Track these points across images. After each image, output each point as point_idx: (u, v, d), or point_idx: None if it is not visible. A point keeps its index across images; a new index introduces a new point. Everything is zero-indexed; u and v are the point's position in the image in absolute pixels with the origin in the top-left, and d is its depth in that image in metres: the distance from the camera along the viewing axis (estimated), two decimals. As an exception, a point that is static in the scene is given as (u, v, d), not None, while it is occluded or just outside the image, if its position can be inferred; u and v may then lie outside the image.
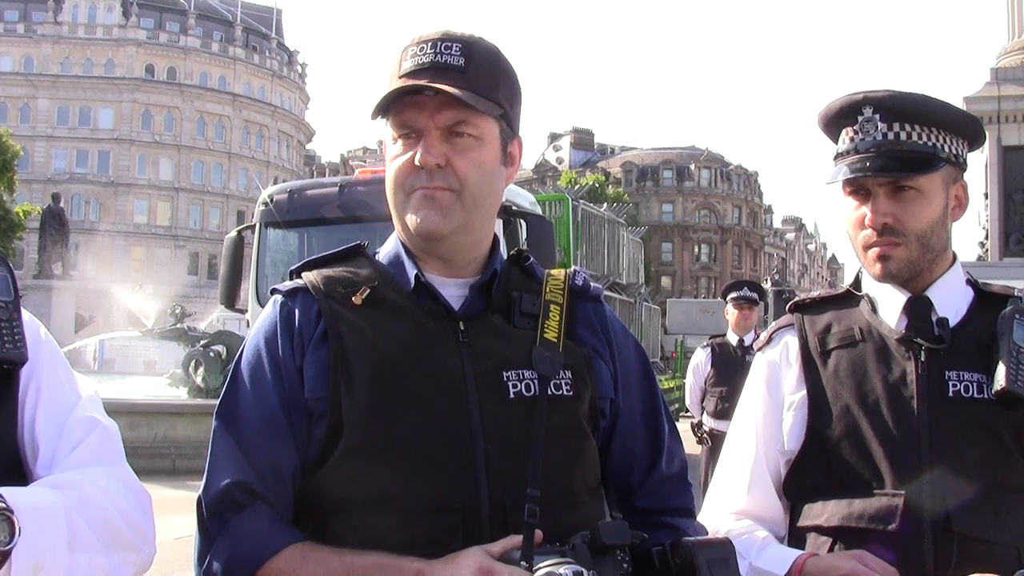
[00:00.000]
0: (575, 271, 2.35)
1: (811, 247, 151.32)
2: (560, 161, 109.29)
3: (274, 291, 2.25)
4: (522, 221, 11.70)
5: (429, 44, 2.14)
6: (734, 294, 10.22)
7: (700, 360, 10.93)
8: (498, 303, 2.22)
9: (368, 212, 11.32)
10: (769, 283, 68.19)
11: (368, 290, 2.17)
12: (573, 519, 2.02)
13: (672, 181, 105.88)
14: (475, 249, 2.23)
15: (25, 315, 2.10)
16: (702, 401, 10.79)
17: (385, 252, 2.28)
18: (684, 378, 13.32)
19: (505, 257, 2.32)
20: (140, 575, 2.04)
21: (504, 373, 2.12)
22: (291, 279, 2.26)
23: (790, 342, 2.64)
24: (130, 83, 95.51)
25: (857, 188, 2.50)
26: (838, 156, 2.54)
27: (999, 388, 2.35)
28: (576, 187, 25.30)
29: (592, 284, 2.35)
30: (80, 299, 48.63)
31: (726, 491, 2.64)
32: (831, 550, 2.41)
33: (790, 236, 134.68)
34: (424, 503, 2.02)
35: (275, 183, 11.18)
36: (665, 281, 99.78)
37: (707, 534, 2.28)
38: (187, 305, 34.24)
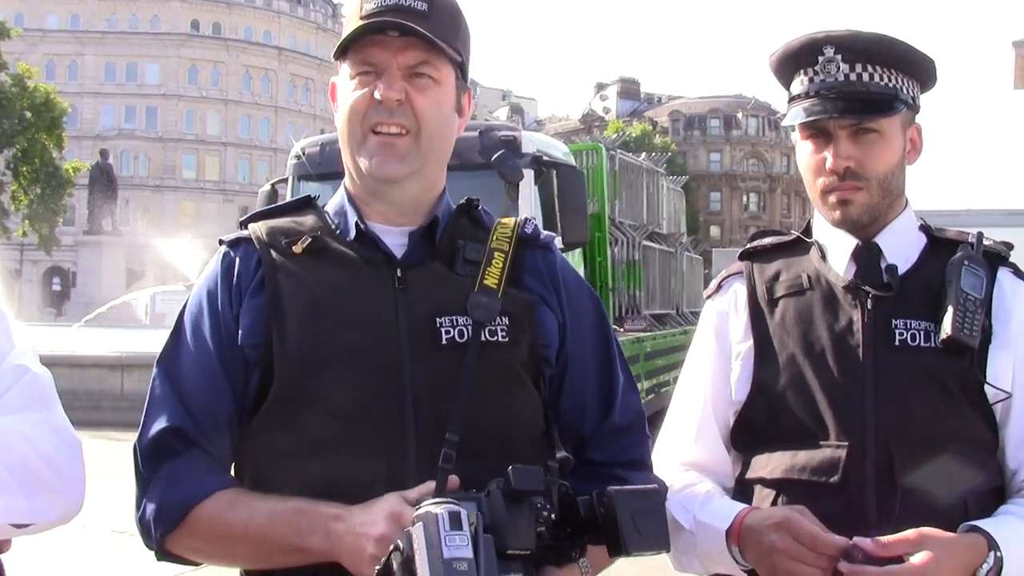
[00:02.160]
0: (526, 219, 2.33)
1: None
2: (607, 111, 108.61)
3: (220, 242, 2.27)
4: (553, 171, 11.68)
5: None
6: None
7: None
8: (442, 250, 2.21)
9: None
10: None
11: (309, 239, 2.18)
12: (505, 466, 1.95)
13: (720, 130, 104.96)
14: (424, 195, 2.24)
15: None
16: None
17: (332, 203, 2.29)
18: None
19: (454, 206, 2.30)
20: (68, 517, 2.08)
21: (438, 319, 2.12)
22: (241, 229, 2.28)
23: (739, 290, 2.59)
24: (176, 38, 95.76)
25: (817, 131, 2.43)
26: (795, 98, 2.48)
27: (945, 336, 2.30)
28: (615, 137, 25.12)
29: (543, 232, 2.33)
30: (131, 254, 49.03)
31: (673, 442, 2.60)
32: (774, 502, 2.38)
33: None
34: (351, 449, 2.04)
35: (320, 135, 11.26)
36: (714, 231, 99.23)
37: (663, 489, 2.25)
38: (237, 259, 34.34)
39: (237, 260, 2.20)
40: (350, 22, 2.19)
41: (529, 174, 11.40)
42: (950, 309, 2.31)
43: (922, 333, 2.35)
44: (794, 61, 2.49)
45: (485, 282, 2.16)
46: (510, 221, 2.30)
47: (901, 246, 2.46)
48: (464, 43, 2.24)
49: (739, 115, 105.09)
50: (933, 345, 2.33)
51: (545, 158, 11.82)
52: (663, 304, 19.33)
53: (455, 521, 1.70)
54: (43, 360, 2.21)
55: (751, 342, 2.50)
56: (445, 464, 1.96)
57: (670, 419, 2.64)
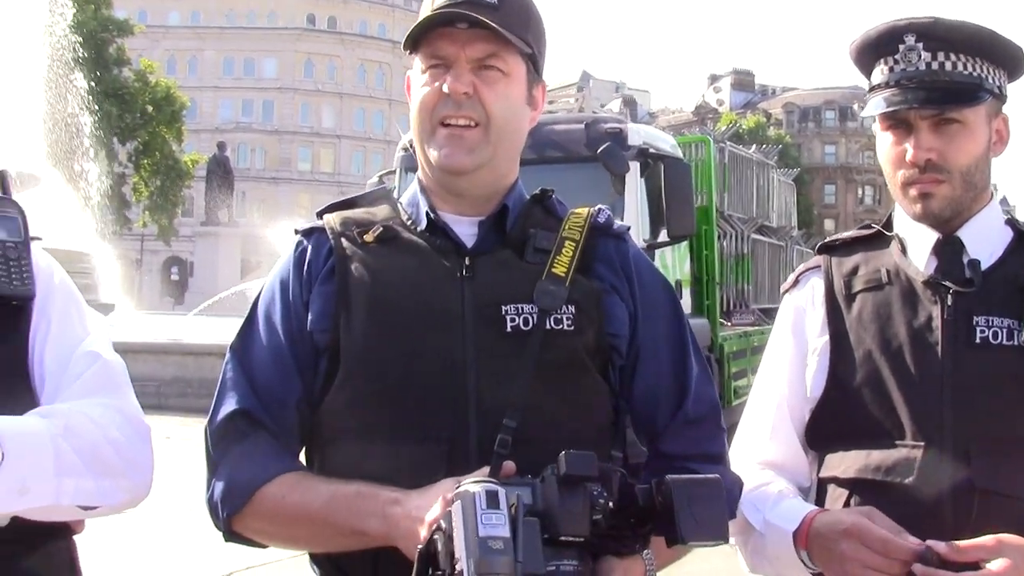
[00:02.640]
0: (599, 208, 2.31)
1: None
2: (720, 103, 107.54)
3: (296, 231, 2.32)
4: (660, 163, 11.63)
5: None
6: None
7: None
8: (512, 239, 2.21)
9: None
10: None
11: (381, 228, 2.21)
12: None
13: (835, 121, 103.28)
14: (494, 186, 2.25)
15: (42, 259, 2.22)
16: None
17: (407, 195, 2.31)
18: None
19: (528, 196, 2.30)
20: (136, 501, 2.14)
21: (503, 307, 2.12)
22: (317, 220, 2.32)
23: (816, 284, 2.52)
24: (292, 33, 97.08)
25: (897, 122, 2.35)
26: (875, 88, 2.40)
27: None
28: (725, 129, 24.89)
29: (617, 222, 2.32)
30: (247, 245, 49.88)
31: (749, 439, 2.55)
32: (847, 503, 2.31)
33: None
34: (412, 432, 2.06)
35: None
36: (829, 224, 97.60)
37: (739, 485, 2.23)
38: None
39: (309, 248, 2.24)
40: (423, 14, 2.19)
41: (635, 166, 11.37)
42: None
43: (1004, 331, 2.26)
44: (874, 50, 2.42)
45: (553, 270, 2.15)
46: (583, 211, 2.29)
47: (985, 240, 2.37)
48: (536, 35, 2.23)
49: (855, 106, 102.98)
50: (1016, 343, 2.25)
51: (651, 150, 11.76)
52: (772, 298, 19.07)
53: (492, 500, 1.69)
54: (159, 348, 2.29)
55: (827, 337, 2.43)
56: (501, 449, 1.97)
57: (746, 416, 2.59)
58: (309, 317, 2.18)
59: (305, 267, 2.23)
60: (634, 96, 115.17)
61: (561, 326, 2.12)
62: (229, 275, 43.56)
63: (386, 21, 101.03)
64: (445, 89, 2.13)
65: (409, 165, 12.18)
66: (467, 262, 2.17)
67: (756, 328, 16.66)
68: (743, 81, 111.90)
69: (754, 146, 23.27)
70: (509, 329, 2.12)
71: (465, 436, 2.06)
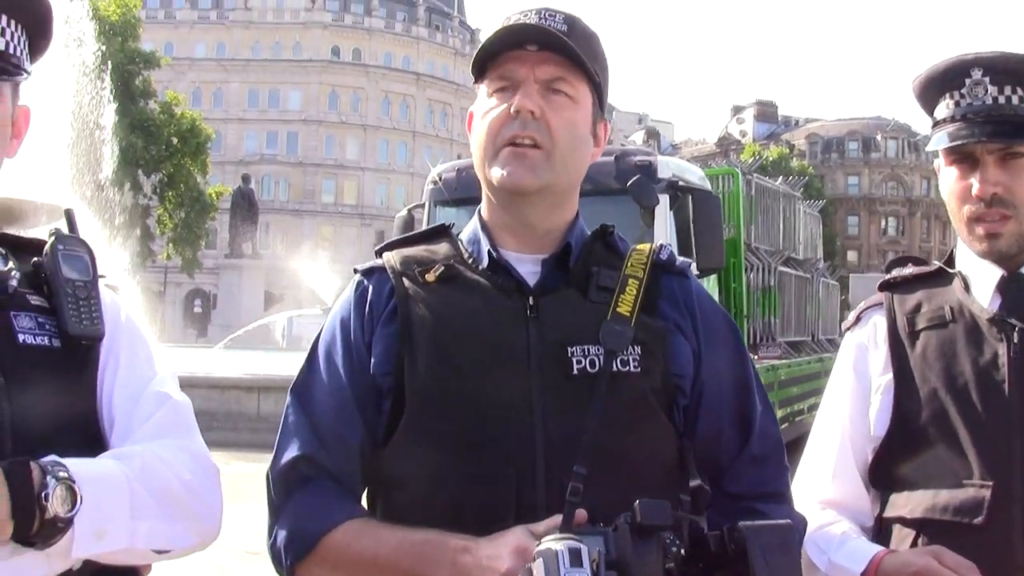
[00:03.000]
0: (661, 245, 2.28)
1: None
2: (743, 134, 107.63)
3: (355, 271, 2.30)
4: (689, 196, 11.60)
5: (533, 12, 2.17)
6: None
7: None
8: (576, 277, 2.18)
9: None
10: (960, 256, 65.84)
11: (442, 267, 2.18)
12: (635, 498, 1.90)
13: (858, 152, 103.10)
14: (555, 217, 2.22)
15: (108, 296, 2.21)
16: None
17: (467, 231, 2.29)
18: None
19: (589, 233, 2.27)
20: (205, 544, 2.12)
21: (569, 348, 2.08)
22: (376, 258, 2.29)
23: (878, 322, 2.50)
24: (317, 65, 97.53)
25: (962, 156, 2.35)
26: (939, 123, 2.40)
27: None
28: (751, 161, 24.88)
29: (679, 258, 2.29)
30: (270, 277, 50.13)
31: (811, 479, 2.53)
32: (914, 543, 2.29)
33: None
34: (478, 477, 2.02)
35: (456, 160, 11.34)
36: (851, 256, 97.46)
37: (803, 525, 2.19)
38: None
39: (370, 289, 2.22)
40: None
41: (665, 199, 11.31)
42: None
43: None
44: (940, 85, 2.41)
45: (618, 310, 2.12)
46: (645, 247, 2.26)
47: None
48: (602, 68, 2.23)
49: (878, 137, 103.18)
50: None
51: (681, 183, 11.71)
52: (798, 331, 19.02)
53: (575, 558, 1.68)
54: (183, 381, 2.27)
55: (891, 375, 2.41)
56: (572, 497, 1.92)
57: (808, 455, 2.57)
58: (372, 359, 2.15)
59: (367, 308, 2.20)
60: (657, 128, 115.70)
61: (628, 368, 2.09)
62: (252, 307, 43.74)
63: (410, 54, 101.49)
64: (514, 107, 2.11)
65: (438, 198, 12.18)
66: (531, 302, 2.14)
67: (783, 362, 16.58)
68: (766, 112, 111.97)
69: (780, 178, 23.22)
70: (576, 371, 2.08)
71: (532, 481, 2.02)
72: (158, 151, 53.06)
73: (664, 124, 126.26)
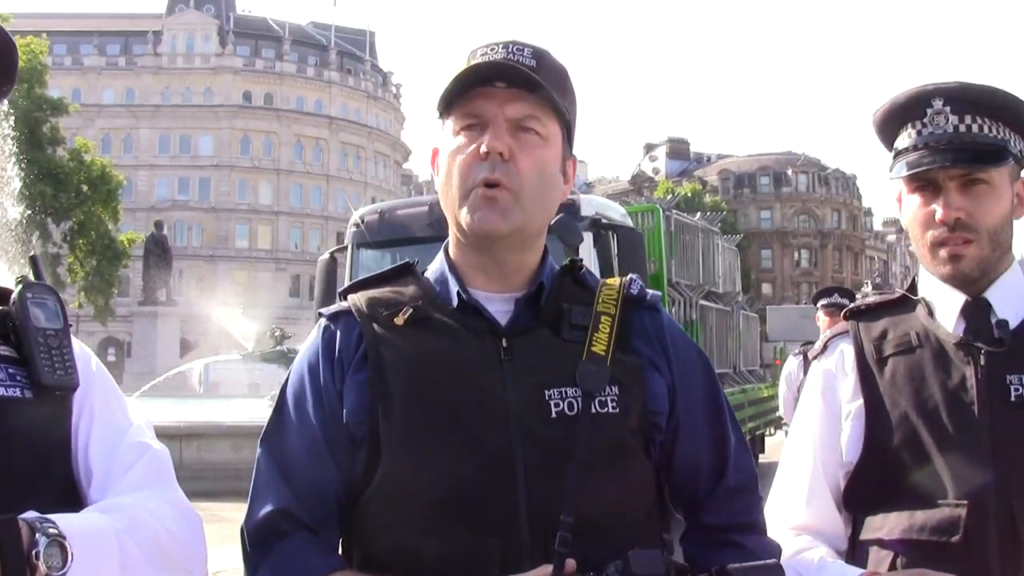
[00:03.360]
0: (631, 279, 2.25)
1: (912, 248, 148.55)
2: (656, 171, 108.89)
3: (319, 315, 2.23)
4: (612, 233, 11.67)
5: (500, 45, 2.13)
6: (824, 301, 10.14)
7: (792, 368, 10.86)
8: (547, 316, 2.14)
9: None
10: (870, 286, 67.27)
11: (411, 310, 2.12)
12: (623, 541, 1.93)
13: (770, 187, 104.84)
14: (526, 257, 2.18)
15: (76, 345, 2.14)
16: (795, 409, 10.65)
17: (432, 270, 2.23)
18: (780, 387, 13.25)
19: (557, 268, 2.25)
20: None
21: (546, 391, 2.04)
22: (340, 300, 2.24)
23: (845, 350, 2.54)
24: (228, 110, 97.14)
25: (925, 183, 2.40)
26: (901, 152, 2.45)
27: None
28: (669, 197, 25.19)
29: (649, 292, 2.26)
30: (185, 324, 49.63)
31: (784, 505, 2.55)
32: (892, 564, 2.32)
33: (891, 238, 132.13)
34: (461, 527, 1.97)
35: (373, 203, 11.32)
36: (766, 288, 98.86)
37: (778, 553, 2.19)
38: (290, 326, 34.82)
39: (338, 334, 2.15)
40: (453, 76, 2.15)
41: (588, 237, 11.39)
42: None
43: None
44: (901, 115, 2.47)
45: (593, 349, 2.09)
46: (615, 282, 2.23)
47: (1011, 300, 2.42)
48: (571, 104, 2.19)
49: (789, 172, 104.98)
50: None
51: (604, 220, 11.81)
52: (720, 363, 19.20)
53: None
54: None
55: (861, 401, 2.45)
56: (561, 548, 1.89)
57: (779, 482, 2.61)
58: (344, 407, 2.09)
59: (336, 354, 2.14)
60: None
61: (607, 409, 2.06)
62: (168, 355, 43.30)
63: (323, 97, 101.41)
64: (484, 148, 2.06)
65: (361, 241, 12.15)
66: (504, 343, 2.09)
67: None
68: (678, 149, 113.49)
69: (698, 213, 23.48)
70: (554, 415, 2.04)
71: (516, 529, 1.98)
72: (68, 199, 52.28)
73: (578, 163, 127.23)
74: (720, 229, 22.66)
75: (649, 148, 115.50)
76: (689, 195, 77.52)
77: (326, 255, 12.87)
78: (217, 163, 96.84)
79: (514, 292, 2.17)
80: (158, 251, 47.25)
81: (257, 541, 2.06)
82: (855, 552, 2.43)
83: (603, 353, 2.09)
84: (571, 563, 1.87)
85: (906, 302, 2.55)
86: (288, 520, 2.04)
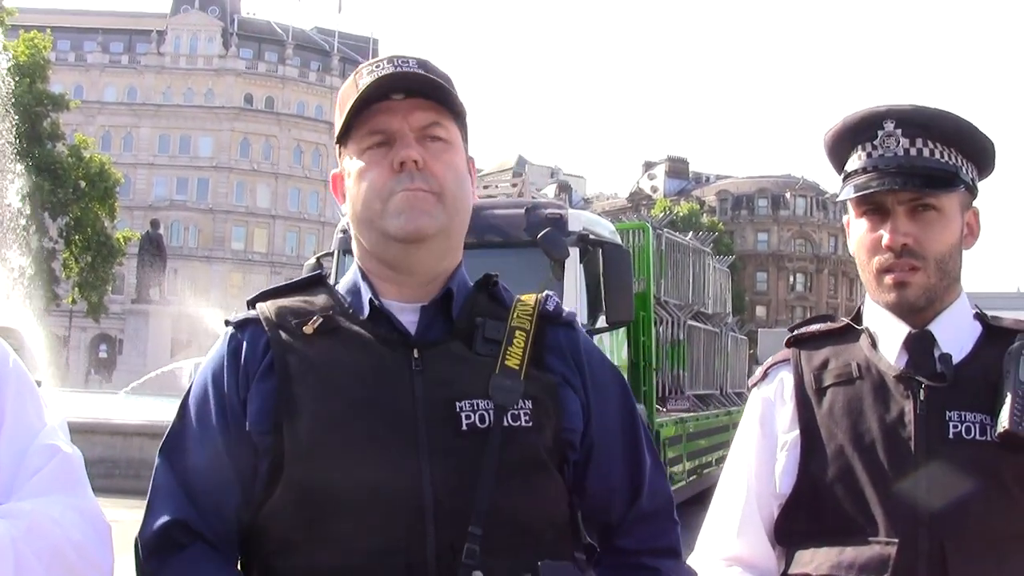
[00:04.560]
0: (547, 295, 2.22)
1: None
2: (655, 190, 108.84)
3: (226, 323, 2.17)
4: (599, 249, 11.67)
5: (385, 61, 2.11)
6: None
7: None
8: (460, 329, 2.10)
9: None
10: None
11: (321, 319, 2.07)
12: (533, 556, 1.91)
13: (767, 210, 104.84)
14: (442, 264, 2.14)
15: None
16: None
17: (344, 281, 2.19)
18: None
19: (472, 283, 2.21)
20: None
21: (457, 404, 1.99)
22: (248, 309, 2.17)
23: (785, 378, 2.47)
24: (229, 112, 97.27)
25: (873, 207, 2.34)
26: (851, 175, 2.38)
27: (1002, 430, 2.18)
28: (662, 216, 25.15)
29: (566, 310, 2.22)
30: (177, 323, 49.31)
31: (716, 535, 2.49)
32: None
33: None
34: (367, 544, 1.92)
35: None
36: (760, 311, 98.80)
37: None
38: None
39: (244, 342, 2.10)
40: (347, 100, 2.11)
41: (575, 252, 11.37)
42: (1008, 401, 2.20)
43: (977, 426, 2.23)
44: (852, 136, 2.40)
45: (507, 363, 2.05)
46: (531, 298, 2.20)
47: (955, 335, 2.35)
48: (463, 106, 2.16)
49: (787, 195, 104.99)
50: (989, 439, 2.21)
51: (591, 236, 11.79)
52: (707, 384, 19.20)
53: None
54: (84, 427, 2.15)
55: (797, 432, 2.38)
56: (468, 560, 1.87)
57: (713, 511, 2.54)
58: (247, 418, 2.03)
59: (241, 362, 2.08)
60: (569, 182, 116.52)
61: (519, 423, 2.01)
62: (159, 353, 43.06)
63: (323, 103, 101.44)
64: (398, 160, 2.03)
65: (347, 247, 12.11)
66: (416, 354, 2.05)
67: (691, 414, 16.74)
68: (677, 168, 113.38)
69: (691, 233, 23.48)
70: (465, 427, 1.99)
71: (422, 545, 1.93)
72: (65, 194, 52.28)
73: (576, 178, 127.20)
74: (713, 250, 22.66)
75: (648, 166, 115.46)
76: (686, 214, 77.54)
77: (312, 259, 12.87)
78: (216, 164, 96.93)
79: (426, 301, 2.13)
80: (153, 250, 46.97)
81: (152, 553, 1.99)
82: None
83: (516, 367, 2.05)
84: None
85: (850, 331, 2.48)
86: (186, 533, 1.98)
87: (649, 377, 14.09)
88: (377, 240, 2.10)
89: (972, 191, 2.39)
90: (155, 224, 50.63)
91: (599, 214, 18.86)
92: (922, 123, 2.34)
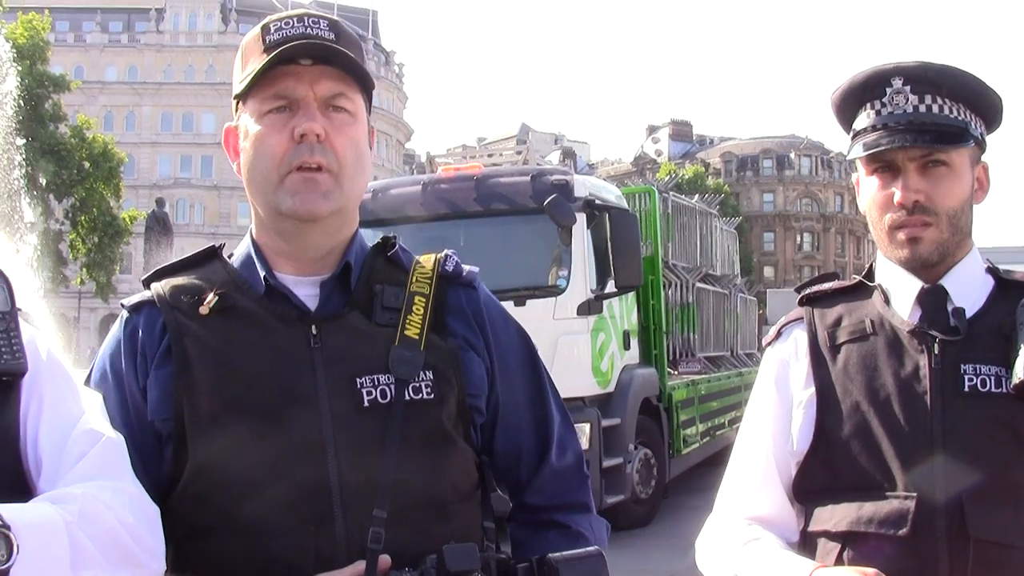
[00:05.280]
0: (446, 255, 2.19)
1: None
2: (659, 153, 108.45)
3: (122, 305, 2.14)
4: (606, 214, 11.66)
5: (296, 19, 2.05)
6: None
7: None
8: (358, 299, 2.07)
9: (451, 209, 11.46)
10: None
11: (216, 297, 2.04)
12: (441, 531, 1.91)
13: (772, 170, 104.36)
14: (338, 237, 2.10)
15: (28, 331, 2.03)
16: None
17: (238, 254, 2.16)
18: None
19: (369, 247, 2.18)
20: None
21: (358, 379, 1.98)
22: (143, 288, 2.14)
23: (799, 337, 2.48)
24: (231, 88, 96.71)
25: (883, 165, 2.34)
26: (859, 133, 2.37)
27: (1017, 381, 2.18)
28: (667, 179, 25.08)
29: (466, 268, 2.20)
30: (186, 301, 49.44)
31: (736, 495, 2.49)
32: (839, 556, 2.26)
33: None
34: (276, 526, 1.90)
35: (375, 182, 11.19)
36: (768, 271, 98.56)
37: (605, 532, 2.18)
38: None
39: (140, 326, 2.07)
40: (251, 57, 2.06)
41: (581, 218, 11.39)
42: (1022, 352, 2.20)
43: (992, 378, 2.23)
44: (859, 95, 2.40)
45: (406, 333, 2.03)
46: (428, 259, 2.17)
47: (968, 289, 2.36)
48: (370, 77, 2.12)
49: (792, 155, 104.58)
50: (1005, 391, 2.21)
51: (597, 201, 11.79)
52: (717, 346, 19.20)
53: None
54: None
55: (813, 390, 2.39)
56: (374, 544, 1.85)
57: (731, 471, 2.54)
58: (147, 404, 2.01)
59: (138, 348, 2.05)
60: (573, 148, 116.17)
61: (420, 395, 2.00)
62: (168, 332, 43.17)
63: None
64: (300, 130, 1.99)
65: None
66: (314, 330, 2.02)
67: (703, 376, 16.73)
68: (681, 131, 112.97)
69: (696, 196, 23.41)
70: (367, 404, 1.98)
71: (331, 526, 1.91)
72: (69, 175, 52.19)
73: (580, 144, 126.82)
74: (719, 211, 22.61)
75: (652, 130, 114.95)
76: (691, 177, 77.30)
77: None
78: (219, 141, 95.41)
79: (323, 275, 2.10)
80: (160, 228, 46.86)
81: None
82: (804, 543, 2.39)
83: (416, 337, 2.03)
84: (385, 559, 1.83)
85: (863, 289, 2.48)
86: None
87: (660, 340, 14.10)
88: (269, 213, 2.07)
89: (981, 146, 2.39)
90: (160, 202, 50.51)
91: (604, 179, 18.84)
92: (930, 79, 2.33)
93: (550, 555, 1.83)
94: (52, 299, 44.14)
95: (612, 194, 13.21)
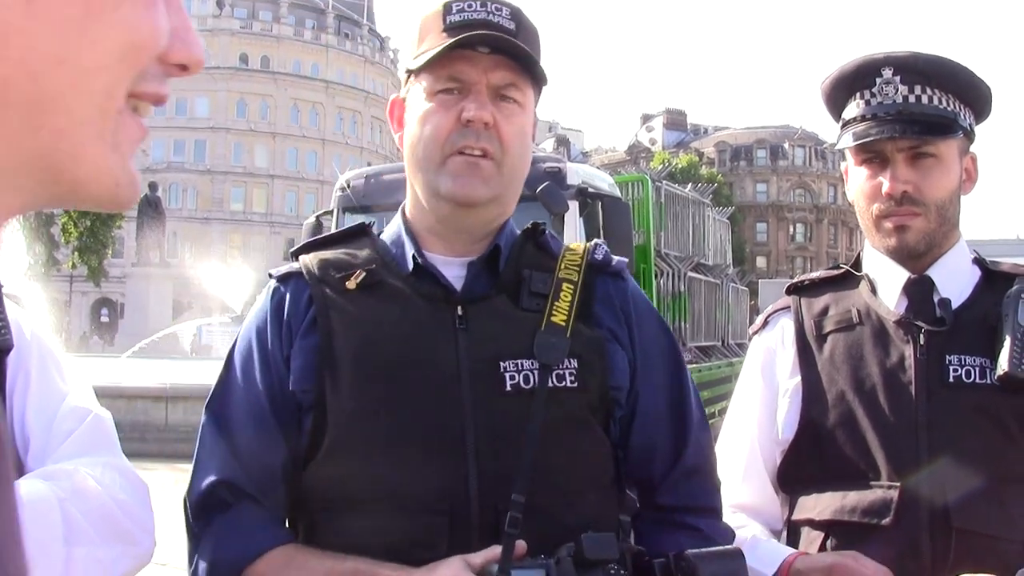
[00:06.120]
0: (596, 244, 2.16)
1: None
2: (653, 142, 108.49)
3: (270, 275, 2.14)
4: (599, 202, 11.64)
5: (478, 2, 2.02)
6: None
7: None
8: (506, 283, 2.04)
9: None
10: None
11: (364, 273, 2.02)
12: (577, 521, 1.86)
13: (766, 160, 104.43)
14: (493, 223, 2.09)
15: (13, 309, 2.02)
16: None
17: (389, 232, 2.14)
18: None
19: (519, 232, 2.15)
20: (139, 568, 1.96)
21: (502, 363, 1.95)
22: (292, 261, 2.15)
23: (786, 326, 2.49)
24: (225, 72, 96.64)
25: (872, 155, 2.34)
26: (849, 122, 2.38)
27: (1002, 372, 2.19)
28: (661, 168, 25.13)
29: (615, 258, 2.16)
30: (178, 286, 49.36)
31: (720, 483, 2.47)
32: (823, 545, 2.28)
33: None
34: (409, 504, 1.89)
35: (368, 167, 11.17)
36: (760, 261, 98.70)
37: (732, 538, 2.13)
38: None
39: (287, 297, 2.06)
40: (429, 34, 2.03)
41: (574, 205, 11.33)
42: (1007, 344, 2.20)
43: (977, 369, 2.24)
44: (849, 84, 2.40)
45: (552, 319, 2.00)
46: (579, 247, 2.14)
47: (954, 279, 2.36)
48: (544, 74, 2.08)
49: (786, 145, 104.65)
50: (989, 382, 2.22)
51: (590, 189, 11.74)
52: (708, 336, 19.19)
53: None
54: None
55: (799, 379, 2.40)
56: (511, 529, 1.82)
57: (718, 459, 2.50)
58: (291, 374, 2.01)
59: (284, 318, 2.05)
60: (567, 136, 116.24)
61: (564, 383, 1.96)
62: (160, 316, 43.04)
63: (319, 61, 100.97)
64: (469, 115, 1.96)
65: (347, 205, 12.03)
66: (460, 311, 2.00)
67: (694, 366, 16.73)
68: (675, 120, 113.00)
69: (689, 185, 23.40)
70: (509, 388, 1.94)
71: (467, 506, 1.90)
72: (62, 159, 52.12)
73: (574, 132, 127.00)
74: (713, 201, 22.60)
75: (646, 119, 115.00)
76: (685, 166, 77.34)
77: (312, 218, 12.76)
78: (213, 125, 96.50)
79: (472, 257, 2.08)
80: (152, 212, 46.79)
81: (199, 513, 1.97)
82: (789, 532, 2.40)
83: (563, 323, 2.00)
84: (521, 545, 1.80)
85: (850, 278, 2.49)
86: (231, 491, 1.96)
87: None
88: (427, 193, 2.05)
89: (970, 137, 2.39)
90: (153, 187, 50.51)
91: (598, 167, 18.84)
92: (920, 70, 2.34)
93: (688, 551, 1.79)
94: (44, 282, 44.03)
95: (605, 182, 13.17)
